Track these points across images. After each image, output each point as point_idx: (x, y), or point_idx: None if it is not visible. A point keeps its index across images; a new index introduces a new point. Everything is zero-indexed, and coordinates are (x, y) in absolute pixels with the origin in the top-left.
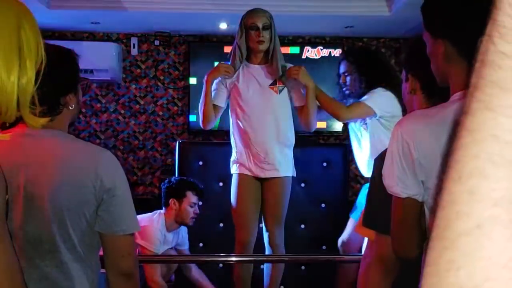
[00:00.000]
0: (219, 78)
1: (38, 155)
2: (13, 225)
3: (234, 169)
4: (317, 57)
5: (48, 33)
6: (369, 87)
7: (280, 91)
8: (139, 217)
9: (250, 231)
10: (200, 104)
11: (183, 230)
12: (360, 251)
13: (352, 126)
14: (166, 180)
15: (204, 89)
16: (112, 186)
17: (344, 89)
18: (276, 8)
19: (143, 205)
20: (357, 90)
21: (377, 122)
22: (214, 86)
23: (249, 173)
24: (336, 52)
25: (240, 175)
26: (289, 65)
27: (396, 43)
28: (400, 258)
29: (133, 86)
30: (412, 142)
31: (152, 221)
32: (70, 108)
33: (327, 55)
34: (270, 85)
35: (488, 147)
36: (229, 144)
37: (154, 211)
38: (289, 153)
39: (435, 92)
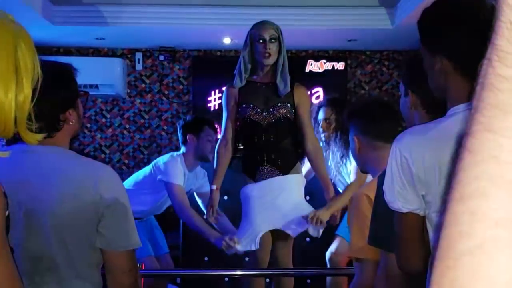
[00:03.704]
0: (229, 95)
1: (38, 172)
2: (13, 242)
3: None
4: (321, 71)
5: (53, 49)
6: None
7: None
8: (159, 158)
9: (268, 250)
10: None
11: (202, 173)
12: (350, 264)
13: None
14: (181, 120)
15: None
16: (112, 202)
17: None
18: (279, 22)
19: None
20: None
21: None
22: (226, 101)
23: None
24: (340, 65)
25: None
26: (298, 84)
27: (399, 56)
28: (405, 272)
29: (138, 101)
30: (410, 157)
31: (172, 158)
32: (71, 123)
33: (331, 68)
34: (277, 103)
35: (488, 168)
36: (234, 158)
37: (172, 152)
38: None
39: (437, 107)
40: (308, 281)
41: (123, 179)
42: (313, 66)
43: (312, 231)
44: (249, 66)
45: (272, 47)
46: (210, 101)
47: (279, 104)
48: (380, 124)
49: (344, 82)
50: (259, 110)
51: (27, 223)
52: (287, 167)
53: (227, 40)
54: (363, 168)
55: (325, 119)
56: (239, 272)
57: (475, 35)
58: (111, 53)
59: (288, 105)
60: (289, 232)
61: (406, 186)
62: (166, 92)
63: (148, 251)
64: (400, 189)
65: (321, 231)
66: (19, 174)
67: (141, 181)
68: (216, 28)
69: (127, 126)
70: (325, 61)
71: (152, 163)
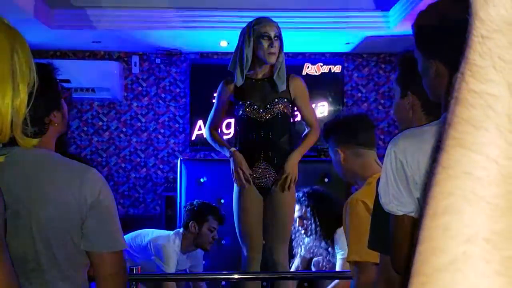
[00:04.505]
0: (223, 91)
1: (23, 173)
2: None
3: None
4: (317, 74)
5: (50, 53)
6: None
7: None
8: (157, 233)
9: (258, 248)
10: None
11: (199, 252)
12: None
13: None
14: (188, 203)
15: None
16: (96, 204)
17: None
18: None
19: (147, 223)
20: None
21: None
22: (220, 95)
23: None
24: (336, 68)
25: (243, 188)
26: (292, 75)
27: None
28: (400, 274)
29: (135, 104)
30: (405, 160)
31: (169, 240)
32: (56, 125)
33: (327, 71)
34: (274, 99)
35: (461, 184)
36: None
37: (175, 230)
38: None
39: (437, 108)
40: (305, 284)
41: (119, 183)
42: (310, 69)
43: None
44: (250, 63)
45: (276, 45)
46: (214, 97)
47: (276, 99)
48: (359, 132)
49: (341, 85)
50: (256, 106)
51: (13, 225)
52: (282, 166)
53: (224, 43)
54: (350, 179)
55: (299, 217)
56: (236, 276)
57: None
58: (108, 56)
59: (285, 100)
60: None
61: (401, 189)
62: (163, 95)
63: None
64: (395, 192)
65: None
66: (4, 176)
67: (134, 247)
68: (212, 31)
69: (124, 129)
70: (321, 64)
71: (152, 236)
